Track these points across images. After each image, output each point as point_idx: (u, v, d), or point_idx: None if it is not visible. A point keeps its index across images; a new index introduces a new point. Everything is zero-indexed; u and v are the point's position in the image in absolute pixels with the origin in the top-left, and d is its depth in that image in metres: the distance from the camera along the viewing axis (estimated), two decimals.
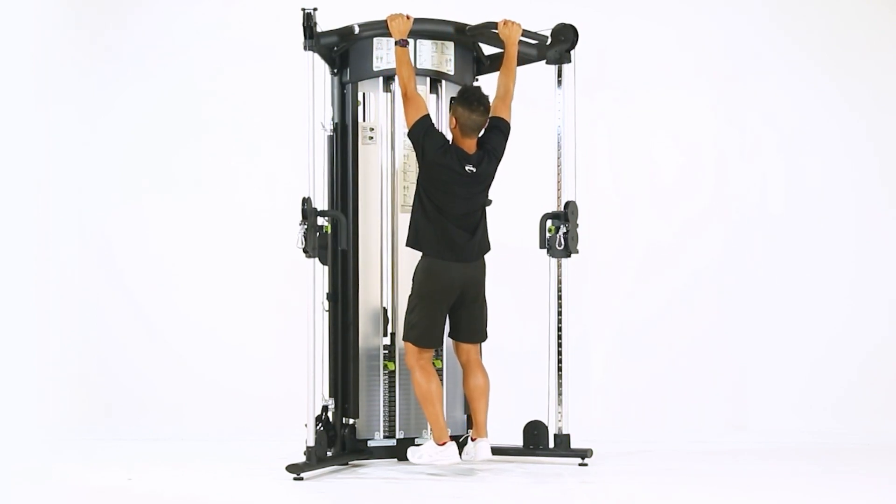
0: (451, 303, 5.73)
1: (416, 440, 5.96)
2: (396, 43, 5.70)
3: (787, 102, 7.30)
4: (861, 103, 7.29)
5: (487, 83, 6.17)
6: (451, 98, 5.86)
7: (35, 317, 7.21)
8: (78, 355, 7.27)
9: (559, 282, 6.01)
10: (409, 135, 5.72)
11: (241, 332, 7.25)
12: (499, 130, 5.77)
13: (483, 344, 5.93)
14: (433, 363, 5.82)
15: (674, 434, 6.86)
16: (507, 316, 6.67)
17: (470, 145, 5.71)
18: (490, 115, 5.75)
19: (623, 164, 7.30)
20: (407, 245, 5.77)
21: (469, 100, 5.68)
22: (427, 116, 5.69)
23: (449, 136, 5.75)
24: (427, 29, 5.91)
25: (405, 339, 5.74)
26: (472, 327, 5.80)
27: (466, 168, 5.66)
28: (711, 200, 7.31)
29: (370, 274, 5.93)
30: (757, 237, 7.28)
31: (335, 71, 5.93)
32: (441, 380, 5.92)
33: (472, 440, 5.78)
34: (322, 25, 5.67)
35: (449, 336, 5.86)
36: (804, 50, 7.31)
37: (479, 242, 5.75)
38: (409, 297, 5.76)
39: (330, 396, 5.86)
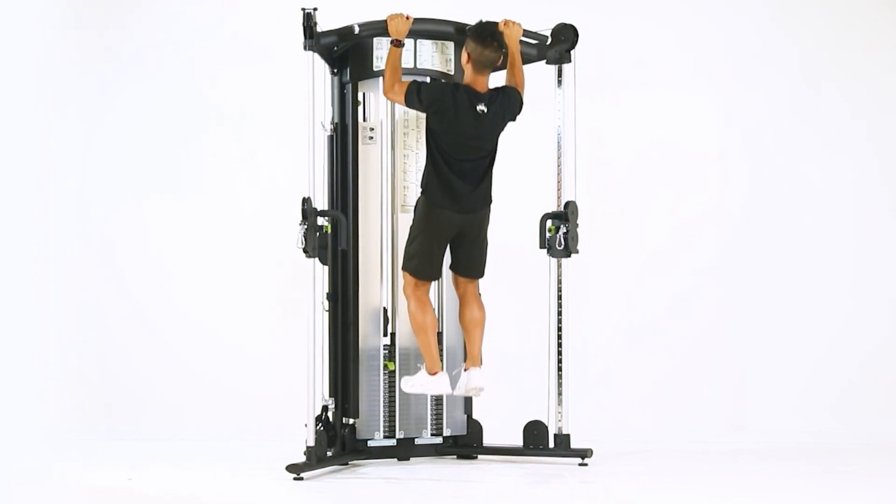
0: (450, 239, 5.78)
1: (416, 440, 5.97)
2: (392, 42, 5.71)
3: (787, 102, 7.30)
4: (861, 103, 7.29)
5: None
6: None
7: (35, 317, 7.21)
8: (78, 355, 7.27)
9: (559, 282, 6.01)
10: (407, 104, 5.71)
11: (241, 332, 7.25)
12: (516, 91, 5.79)
13: (484, 344, 5.93)
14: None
15: (674, 434, 6.86)
16: (507, 316, 6.67)
17: (482, 84, 5.73)
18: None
19: (623, 164, 7.30)
20: (421, 191, 5.79)
21: (482, 35, 5.71)
22: (414, 81, 5.71)
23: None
24: (427, 29, 5.91)
25: (404, 268, 5.79)
26: (470, 264, 5.85)
27: (477, 108, 5.68)
28: (711, 200, 7.31)
29: (370, 274, 5.93)
30: (757, 237, 7.28)
31: (335, 71, 5.93)
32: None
33: (465, 370, 5.83)
34: (322, 25, 5.67)
35: (449, 268, 5.90)
36: (804, 50, 7.31)
37: (481, 194, 5.77)
38: (410, 227, 5.81)
39: (330, 396, 5.87)
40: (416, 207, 5.81)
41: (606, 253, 7.17)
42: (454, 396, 5.99)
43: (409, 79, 5.79)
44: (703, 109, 7.34)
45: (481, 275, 5.92)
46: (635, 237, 7.30)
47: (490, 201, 5.83)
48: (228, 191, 7.32)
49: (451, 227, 5.75)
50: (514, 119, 5.83)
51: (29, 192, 7.19)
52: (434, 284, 5.92)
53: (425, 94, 5.68)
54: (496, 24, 5.83)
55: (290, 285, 6.13)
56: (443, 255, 5.83)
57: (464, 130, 5.68)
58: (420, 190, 5.80)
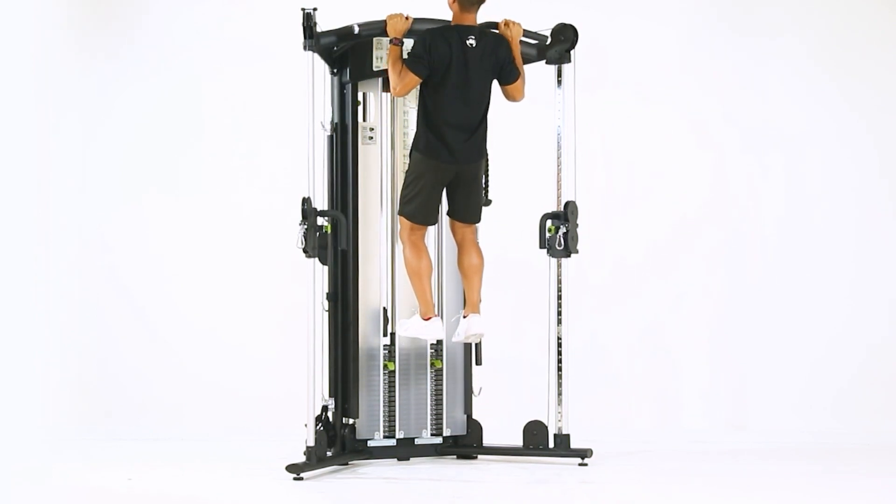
0: (445, 184, 5.77)
1: (416, 440, 5.98)
2: (391, 41, 5.71)
3: (787, 102, 7.30)
4: (861, 103, 7.29)
5: None
6: None
7: (35, 317, 7.21)
8: (78, 356, 7.27)
9: (559, 282, 6.01)
10: (417, 74, 5.65)
11: (241, 332, 7.25)
12: (508, 44, 5.76)
13: (484, 343, 5.94)
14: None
15: (674, 434, 6.86)
16: (507, 316, 6.67)
17: (471, 20, 5.73)
18: None
19: (623, 164, 7.30)
20: (412, 148, 5.78)
21: None
22: (405, 59, 5.67)
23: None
24: (427, 29, 5.90)
25: (400, 213, 5.80)
26: (466, 208, 5.84)
27: (467, 42, 5.67)
28: (711, 200, 7.31)
29: (370, 274, 5.93)
30: (757, 237, 7.28)
31: (335, 71, 5.93)
32: (441, 377, 5.94)
33: (465, 317, 5.83)
34: (322, 25, 5.67)
35: (447, 214, 5.88)
36: (804, 50, 7.31)
37: (475, 145, 5.75)
38: (406, 172, 5.81)
39: (330, 396, 5.87)
40: (409, 156, 5.80)
41: (606, 253, 7.18)
42: (454, 394, 6.00)
43: None
44: (703, 109, 7.34)
45: (478, 219, 5.90)
46: (635, 237, 7.30)
47: (484, 154, 5.82)
48: (228, 191, 7.32)
49: (447, 175, 5.74)
50: (504, 76, 5.76)
51: (29, 193, 7.19)
52: (432, 231, 5.90)
53: (420, 49, 5.65)
54: None
55: (290, 285, 6.13)
56: (439, 201, 5.83)
57: (456, 68, 5.65)
58: (414, 148, 5.76)
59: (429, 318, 5.76)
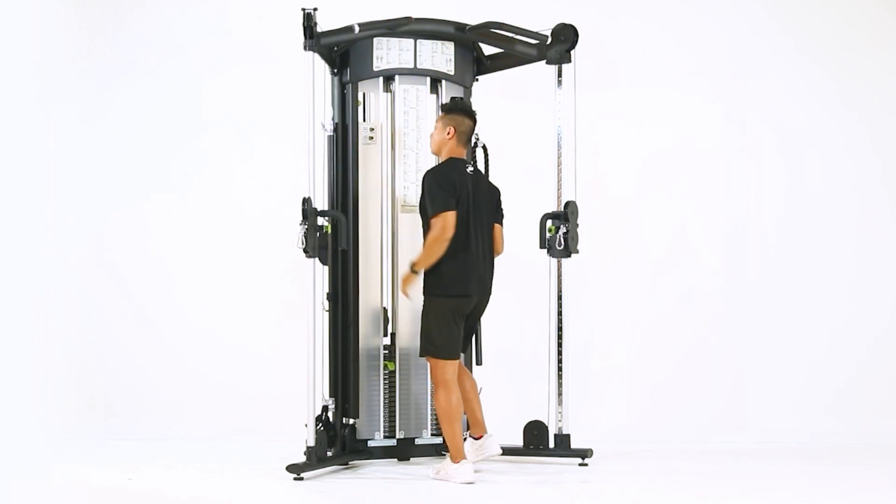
0: (466, 316, 5.74)
1: (416, 440, 5.98)
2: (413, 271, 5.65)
3: (787, 102, 7.31)
4: (861, 103, 7.29)
5: (487, 83, 6.19)
6: (442, 105, 5.90)
7: (35, 317, 7.20)
8: (78, 356, 7.27)
9: (559, 282, 6.01)
10: (452, 207, 5.57)
11: (241, 331, 7.25)
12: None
13: (484, 343, 5.97)
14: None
15: (674, 434, 6.86)
16: (507, 316, 6.67)
17: (462, 154, 5.77)
18: None
19: (623, 164, 7.30)
20: (428, 293, 5.67)
21: (467, 109, 5.79)
22: (441, 209, 5.59)
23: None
24: (427, 29, 5.92)
25: (428, 355, 5.67)
26: (468, 340, 5.86)
27: (467, 169, 5.69)
28: (711, 200, 7.31)
29: (370, 274, 5.94)
30: (757, 237, 7.28)
31: (335, 71, 5.94)
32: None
33: (477, 438, 5.79)
34: (322, 25, 5.67)
35: None
36: (804, 50, 7.31)
37: (491, 273, 5.78)
38: (423, 315, 5.68)
39: (330, 396, 5.87)
40: (425, 305, 5.66)
41: (606, 253, 7.18)
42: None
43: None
44: (703, 109, 7.34)
45: (467, 348, 5.91)
46: (635, 237, 7.30)
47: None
48: (228, 191, 7.32)
49: (468, 308, 5.69)
50: (499, 206, 5.83)
51: (29, 192, 7.19)
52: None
53: (444, 183, 5.58)
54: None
55: (290, 285, 6.13)
56: (462, 330, 5.72)
57: (465, 195, 5.64)
58: (425, 284, 5.64)
59: (459, 461, 5.60)
